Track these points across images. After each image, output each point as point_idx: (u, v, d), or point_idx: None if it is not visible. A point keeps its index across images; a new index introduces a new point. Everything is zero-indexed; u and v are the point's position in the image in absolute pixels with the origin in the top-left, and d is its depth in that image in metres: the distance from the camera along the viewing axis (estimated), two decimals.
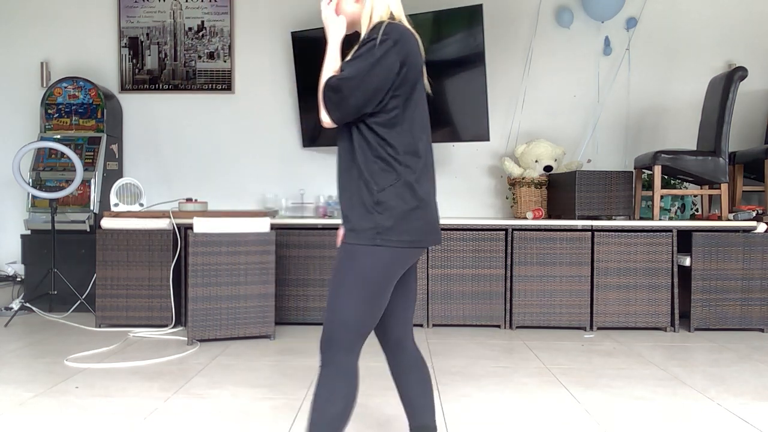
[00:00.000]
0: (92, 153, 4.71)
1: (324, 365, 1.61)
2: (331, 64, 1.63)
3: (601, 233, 4.00)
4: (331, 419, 1.57)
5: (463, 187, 4.99)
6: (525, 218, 4.37)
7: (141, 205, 4.27)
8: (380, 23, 1.61)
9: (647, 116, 4.99)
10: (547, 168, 4.56)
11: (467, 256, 4.02)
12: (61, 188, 4.40)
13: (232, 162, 5.11)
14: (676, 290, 3.97)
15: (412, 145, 1.61)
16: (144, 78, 5.13)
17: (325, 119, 1.59)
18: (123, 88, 5.13)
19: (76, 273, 4.41)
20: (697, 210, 4.75)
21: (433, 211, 1.67)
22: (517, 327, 4.03)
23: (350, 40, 1.71)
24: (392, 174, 1.58)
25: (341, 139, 1.65)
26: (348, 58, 1.60)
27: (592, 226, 4.03)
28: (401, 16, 1.69)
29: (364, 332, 1.62)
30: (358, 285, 1.58)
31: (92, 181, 4.63)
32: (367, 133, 1.59)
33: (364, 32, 1.65)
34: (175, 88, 5.13)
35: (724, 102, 4.03)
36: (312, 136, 4.97)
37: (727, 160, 4.06)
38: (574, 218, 4.09)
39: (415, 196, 1.59)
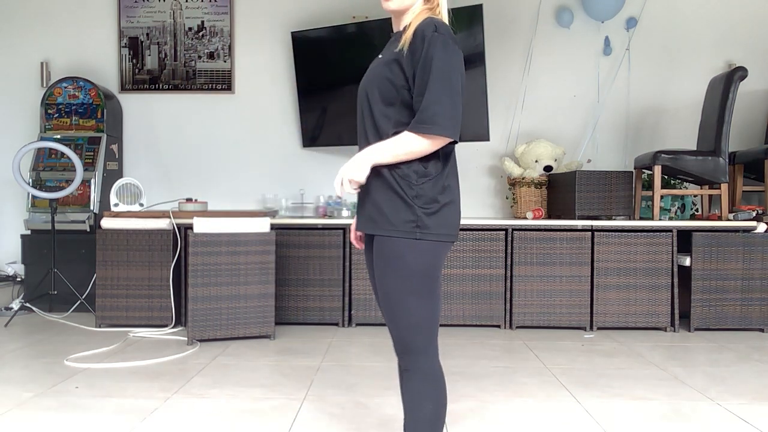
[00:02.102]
0: (92, 153, 4.71)
1: (406, 371, 1.60)
2: (388, 143, 1.53)
3: (601, 233, 4.00)
4: (422, 422, 1.57)
5: (463, 187, 4.88)
6: (525, 218, 4.37)
7: (141, 205, 4.27)
8: (430, 19, 1.54)
9: (647, 116, 4.99)
10: (547, 168, 4.56)
11: (467, 256, 4.02)
12: (61, 188, 4.40)
13: (232, 162, 5.11)
14: (676, 290, 3.97)
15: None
16: (144, 78, 5.13)
17: (448, 139, 1.51)
18: (123, 88, 5.13)
19: (76, 273, 4.41)
20: (697, 210, 4.75)
21: (460, 205, 1.64)
22: (517, 327, 4.03)
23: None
24: (431, 168, 1.54)
25: (369, 128, 1.60)
26: (419, 69, 1.49)
27: (592, 226, 4.03)
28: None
29: (433, 330, 1.59)
30: (412, 285, 1.54)
31: (92, 181, 4.63)
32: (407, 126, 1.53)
33: (411, 20, 1.57)
34: (175, 88, 5.13)
35: (724, 102, 4.04)
36: (312, 136, 4.97)
37: (727, 160, 4.06)
38: (574, 218, 4.09)
39: (450, 191, 1.57)
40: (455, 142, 1.55)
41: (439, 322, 1.75)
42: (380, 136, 1.57)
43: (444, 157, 1.57)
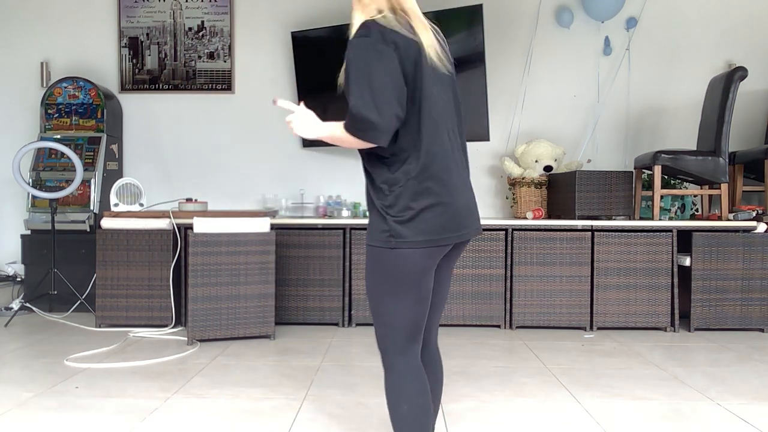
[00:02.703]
0: (92, 153, 4.71)
1: (384, 370, 1.64)
2: (335, 126, 1.57)
3: (601, 233, 4.00)
4: (401, 420, 1.60)
5: None
6: (525, 218, 4.37)
7: (141, 205, 4.27)
8: (362, 23, 1.54)
9: (647, 116, 4.99)
10: (547, 168, 4.56)
11: (467, 256, 4.02)
12: (61, 188, 4.40)
13: (232, 162, 5.11)
14: (676, 290, 3.97)
15: (420, 142, 1.54)
16: (144, 78, 5.13)
17: (378, 144, 1.51)
18: (123, 88, 5.13)
19: (76, 273, 4.40)
20: (697, 210, 4.75)
21: (456, 204, 1.59)
22: (517, 327, 4.03)
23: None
24: (400, 175, 1.55)
25: None
26: (343, 78, 1.54)
27: (592, 226, 4.03)
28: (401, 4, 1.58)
29: (411, 332, 1.61)
30: (390, 288, 1.58)
31: (92, 181, 4.63)
32: None
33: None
34: (175, 88, 5.13)
35: (724, 102, 4.03)
36: None
37: (727, 160, 4.06)
38: (574, 218, 4.09)
39: (429, 194, 1.54)
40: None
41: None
42: (361, 153, 1.62)
43: (415, 159, 1.54)
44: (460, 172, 1.64)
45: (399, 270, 1.56)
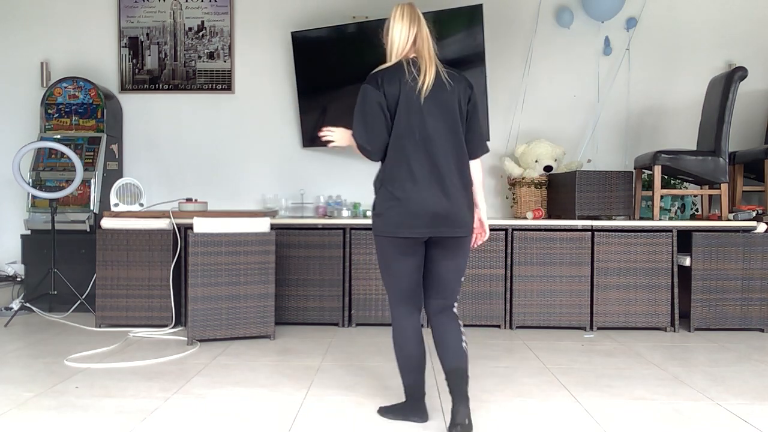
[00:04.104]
0: (92, 153, 4.71)
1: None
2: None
3: (601, 233, 4.00)
4: (396, 355, 2.27)
5: None
6: (525, 218, 4.37)
7: (141, 205, 4.27)
8: None
9: (647, 116, 4.99)
10: (547, 168, 4.56)
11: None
12: (61, 188, 4.40)
13: (232, 162, 5.11)
14: (676, 290, 3.97)
15: (391, 154, 2.12)
16: (144, 78, 5.13)
17: (372, 160, 2.20)
18: (123, 88, 5.13)
19: (76, 273, 4.41)
20: (697, 210, 4.75)
21: (415, 208, 2.09)
22: (517, 327, 4.03)
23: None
24: (378, 180, 2.18)
25: None
26: None
27: (592, 226, 4.03)
28: (401, 48, 2.19)
29: (396, 295, 2.23)
30: (379, 263, 2.25)
31: (92, 181, 4.63)
32: None
33: None
34: (175, 88, 5.13)
35: (724, 102, 4.04)
36: (312, 136, 4.97)
37: (727, 160, 4.06)
38: (574, 218, 4.09)
39: (391, 196, 2.11)
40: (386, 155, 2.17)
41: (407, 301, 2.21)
42: None
43: (383, 169, 2.15)
44: (433, 181, 2.09)
45: (379, 251, 2.22)
